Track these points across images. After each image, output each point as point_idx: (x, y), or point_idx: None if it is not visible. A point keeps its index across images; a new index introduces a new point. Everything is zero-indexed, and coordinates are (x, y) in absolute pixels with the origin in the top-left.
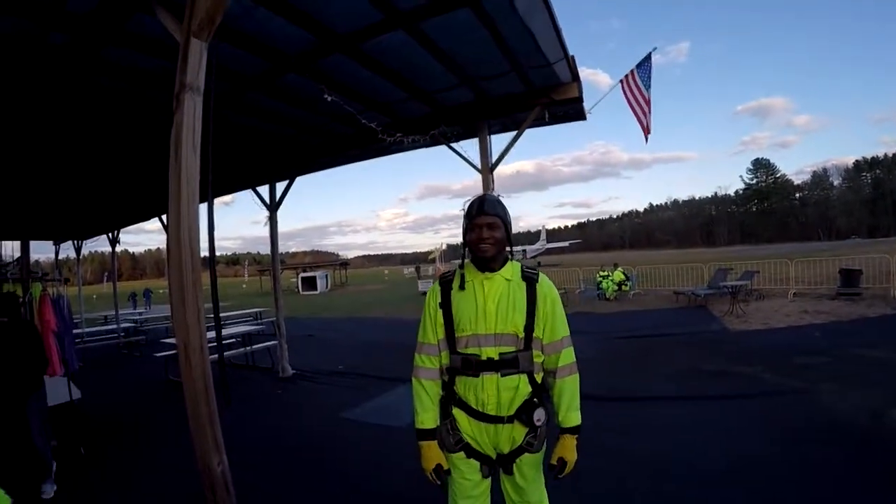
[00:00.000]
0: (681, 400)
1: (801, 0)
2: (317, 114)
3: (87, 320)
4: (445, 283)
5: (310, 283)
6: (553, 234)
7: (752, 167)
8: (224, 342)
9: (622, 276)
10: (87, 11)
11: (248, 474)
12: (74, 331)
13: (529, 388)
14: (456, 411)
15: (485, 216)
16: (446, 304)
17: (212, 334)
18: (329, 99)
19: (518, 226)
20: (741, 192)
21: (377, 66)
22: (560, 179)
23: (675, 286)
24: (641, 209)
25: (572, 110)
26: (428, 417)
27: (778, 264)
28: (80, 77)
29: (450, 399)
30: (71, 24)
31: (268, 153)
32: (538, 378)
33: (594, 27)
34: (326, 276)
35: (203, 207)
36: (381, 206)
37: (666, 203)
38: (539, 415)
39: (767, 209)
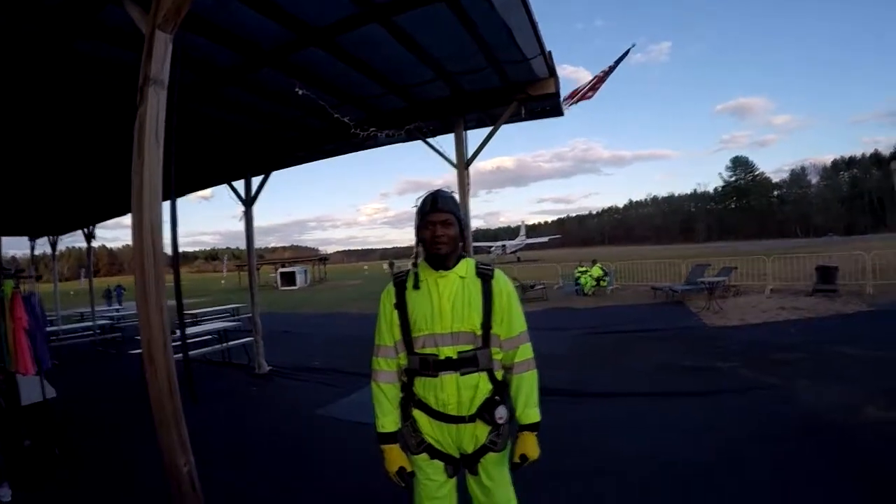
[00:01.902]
0: (656, 396)
1: (782, 2)
2: (291, 108)
3: (64, 317)
4: (400, 283)
5: (288, 279)
6: (533, 230)
7: (731, 165)
8: (200, 339)
9: (600, 272)
10: (58, 3)
11: (220, 472)
12: (50, 328)
13: (490, 386)
14: (416, 413)
15: (438, 213)
16: (401, 305)
17: (190, 331)
18: (301, 93)
19: (498, 221)
20: (720, 189)
21: (352, 60)
22: (540, 175)
23: (653, 282)
24: (621, 205)
25: (549, 106)
26: (388, 421)
27: (755, 261)
28: (53, 69)
29: (409, 401)
30: (42, 14)
31: (242, 147)
32: (499, 375)
33: (579, 27)
34: (305, 271)
35: (168, 204)
36: (361, 201)
37: (646, 199)
38: (501, 413)
39: (746, 206)
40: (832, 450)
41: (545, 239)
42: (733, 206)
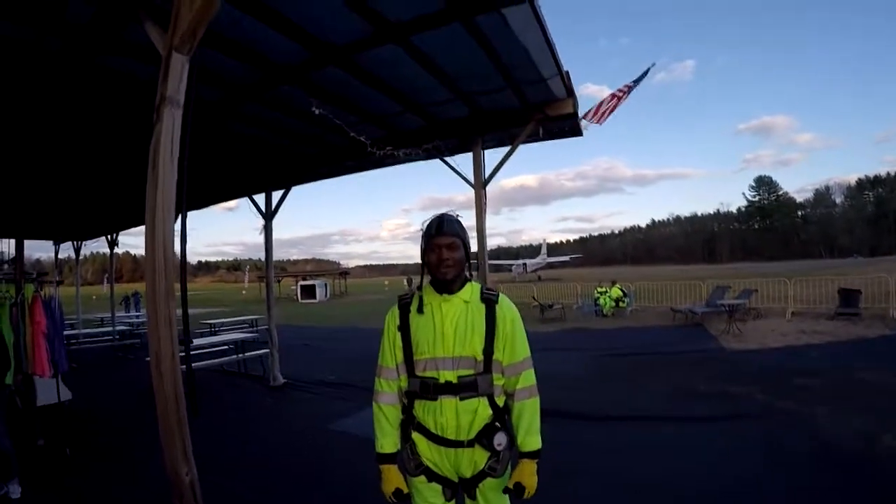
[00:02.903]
0: (671, 420)
1: (804, 21)
2: (311, 124)
3: (84, 321)
4: (404, 305)
5: (309, 292)
6: (555, 249)
7: (754, 184)
8: (216, 349)
9: (619, 293)
10: (86, 21)
11: (228, 483)
12: (70, 332)
13: (490, 412)
14: (415, 435)
15: (444, 237)
16: (405, 327)
17: (201, 341)
18: (318, 112)
19: (521, 239)
20: (743, 209)
21: (371, 79)
22: (563, 194)
23: (673, 303)
24: (643, 225)
25: (567, 126)
26: (388, 442)
27: (777, 283)
28: (80, 82)
29: (409, 423)
30: (71, 31)
31: (264, 162)
32: (499, 401)
33: (603, 45)
34: (326, 284)
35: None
36: (383, 216)
37: (668, 219)
38: (500, 439)
39: (769, 226)
40: (849, 480)
41: (566, 258)
42: (757, 226)
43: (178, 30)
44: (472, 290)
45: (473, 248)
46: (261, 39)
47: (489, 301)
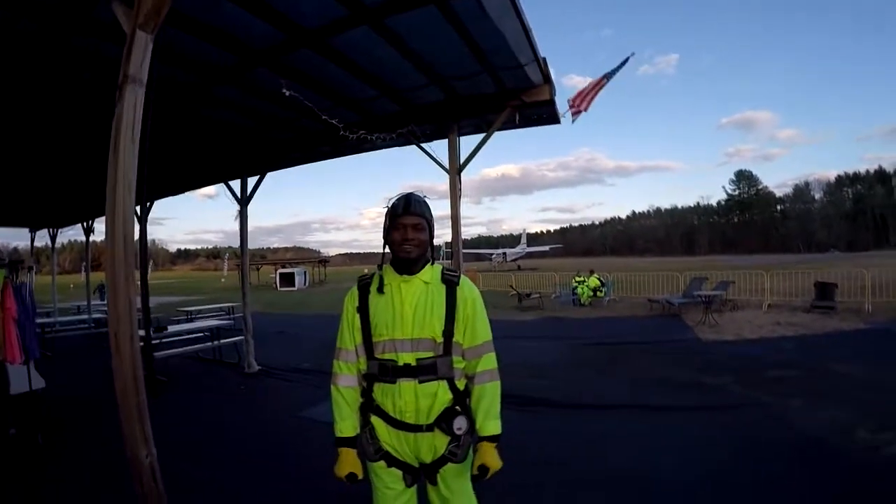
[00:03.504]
0: (645, 410)
1: (789, 18)
2: (285, 108)
3: (61, 310)
4: (364, 286)
5: (288, 280)
6: (536, 239)
7: (735, 178)
8: (191, 336)
9: (597, 283)
10: (56, 1)
11: (196, 467)
12: (45, 320)
13: (450, 396)
14: (374, 419)
15: (410, 216)
16: (364, 308)
17: (177, 328)
18: (288, 94)
19: (501, 228)
20: (723, 202)
21: (345, 63)
22: (545, 184)
23: (651, 294)
24: (624, 216)
25: (545, 113)
26: (346, 426)
27: (754, 275)
28: (51, 64)
29: (368, 406)
30: (40, 11)
31: (238, 147)
32: (460, 385)
33: (588, 37)
34: (305, 272)
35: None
36: (365, 205)
37: (648, 211)
38: (460, 423)
39: (749, 220)
40: (821, 472)
41: (546, 248)
42: (736, 219)
43: (143, 8)
44: (432, 272)
45: (448, 235)
46: (235, 22)
47: (450, 282)
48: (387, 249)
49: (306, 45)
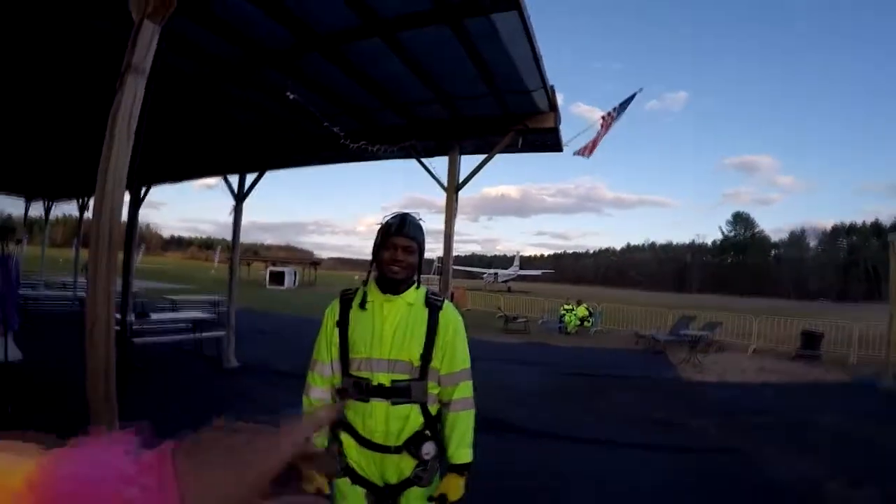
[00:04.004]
0: (617, 446)
1: (799, 67)
2: (289, 110)
3: (47, 282)
4: (346, 300)
5: (277, 278)
6: (529, 262)
7: (731, 220)
8: (173, 326)
9: (585, 312)
10: None
11: None
12: (31, 293)
13: (421, 420)
14: (344, 436)
15: (403, 238)
16: (343, 323)
17: (159, 316)
18: (291, 97)
19: (495, 248)
20: (718, 242)
21: (354, 72)
22: (543, 208)
23: (638, 328)
24: (618, 248)
25: (549, 140)
26: (316, 440)
27: (743, 318)
28: (66, 38)
29: (338, 422)
30: None
31: (240, 142)
32: (433, 410)
33: (596, 67)
34: (295, 272)
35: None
36: (362, 212)
37: (643, 245)
38: (428, 448)
39: (742, 262)
40: None
41: (538, 272)
42: (730, 260)
43: None
44: (417, 294)
45: (440, 252)
46: (249, 19)
47: (433, 306)
48: (374, 266)
49: (318, 50)
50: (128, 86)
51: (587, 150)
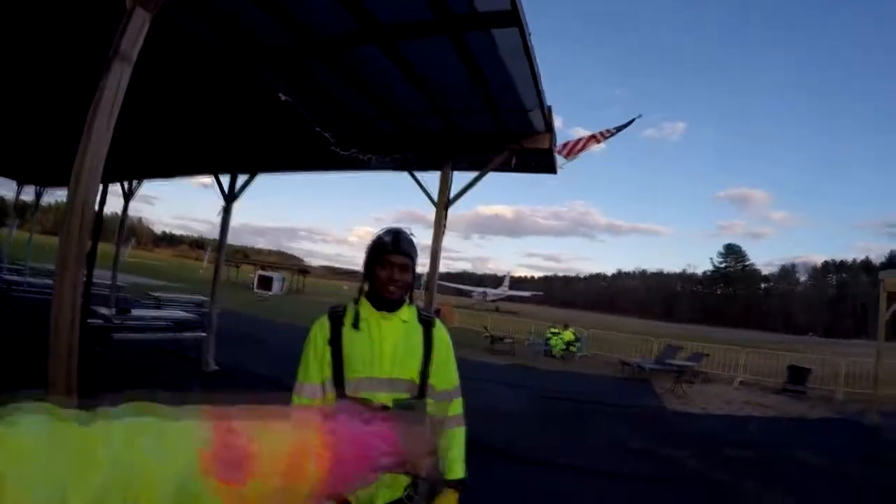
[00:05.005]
0: (593, 474)
1: (799, 106)
2: (283, 112)
3: (33, 270)
4: (336, 318)
5: (265, 283)
6: (519, 283)
7: (723, 251)
8: (153, 324)
9: (572, 337)
10: None
11: None
12: (15, 277)
13: None
14: None
15: (399, 255)
16: (336, 342)
17: (140, 312)
18: (283, 98)
19: (486, 267)
20: (709, 273)
21: (351, 77)
22: (535, 230)
23: (623, 355)
24: (609, 273)
25: (543, 161)
26: None
27: (730, 350)
28: (69, 25)
29: None
30: None
31: (232, 142)
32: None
33: (597, 92)
34: (283, 279)
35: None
36: (355, 221)
37: (634, 272)
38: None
39: (731, 294)
40: None
41: (528, 293)
42: (719, 291)
43: None
44: (410, 311)
45: (426, 268)
46: (248, 16)
47: (427, 323)
48: (365, 281)
49: (315, 55)
50: (112, 73)
51: (568, 151)
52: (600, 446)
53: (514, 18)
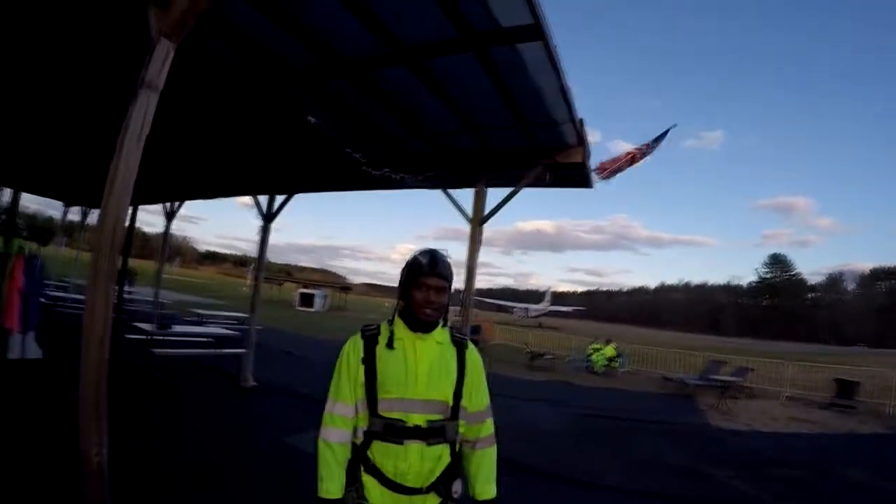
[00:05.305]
0: (635, 495)
1: (838, 112)
2: (316, 134)
3: (76, 286)
4: (370, 337)
5: (307, 300)
6: (561, 298)
7: (768, 261)
8: (194, 339)
9: (613, 352)
10: None
11: (152, 476)
12: (60, 293)
13: (449, 459)
14: (366, 478)
15: (435, 278)
16: (370, 361)
17: (182, 328)
18: (312, 121)
19: (528, 283)
20: (754, 284)
21: (380, 98)
22: (577, 244)
23: (667, 371)
24: (652, 287)
25: (577, 175)
26: (334, 486)
27: (775, 364)
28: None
29: (359, 464)
30: None
31: (269, 164)
32: (457, 448)
33: (635, 104)
34: (326, 296)
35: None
36: (397, 240)
37: (677, 284)
38: (457, 486)
39: (777, 305)
40: None
41: (569, 309)
42: (765, 303)
43: (171, 15)
44: (444, 333)
45: (461, 284)
46: (276, 42)
47: (460, 345)
48: (400, 301)
49: (343, 77)
50: (139, 101)
51: (605, 171)
52: (641, 465)
53: (538, 32)
